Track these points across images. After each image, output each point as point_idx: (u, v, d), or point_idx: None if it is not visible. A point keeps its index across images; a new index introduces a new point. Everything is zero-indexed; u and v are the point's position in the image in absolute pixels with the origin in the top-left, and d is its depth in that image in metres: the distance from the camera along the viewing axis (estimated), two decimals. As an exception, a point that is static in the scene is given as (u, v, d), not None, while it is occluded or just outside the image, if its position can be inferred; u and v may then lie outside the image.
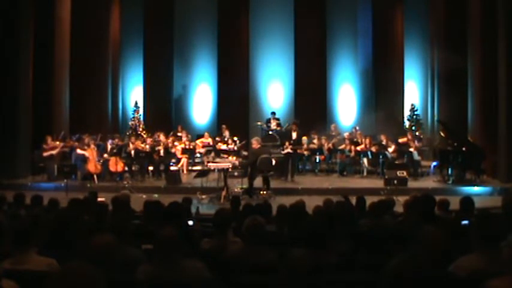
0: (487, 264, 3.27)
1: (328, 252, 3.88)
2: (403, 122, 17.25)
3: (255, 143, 11.56)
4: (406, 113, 17.44)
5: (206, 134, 15.80)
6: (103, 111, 16.36)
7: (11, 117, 12.89)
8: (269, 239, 4.45)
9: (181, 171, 13.74)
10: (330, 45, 17.87)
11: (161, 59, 17.80)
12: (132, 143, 13.45)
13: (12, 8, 12.91)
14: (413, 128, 16.83)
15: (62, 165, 12.70)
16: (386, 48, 17.26)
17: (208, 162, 12.91)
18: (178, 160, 14.12)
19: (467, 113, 13.85)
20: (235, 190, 11.30)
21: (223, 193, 10.76)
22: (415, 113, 17.39)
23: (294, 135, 13.60)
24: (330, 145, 14.22)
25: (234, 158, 12.50)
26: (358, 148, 13.78)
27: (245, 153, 13.78)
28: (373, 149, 13.33)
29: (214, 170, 11.61)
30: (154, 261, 3.56)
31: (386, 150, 13.18)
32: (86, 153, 12.91)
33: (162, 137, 14.66)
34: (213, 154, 14.16)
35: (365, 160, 13.50)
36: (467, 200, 6.05)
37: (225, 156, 12.98)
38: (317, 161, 14.17)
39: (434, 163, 13.43)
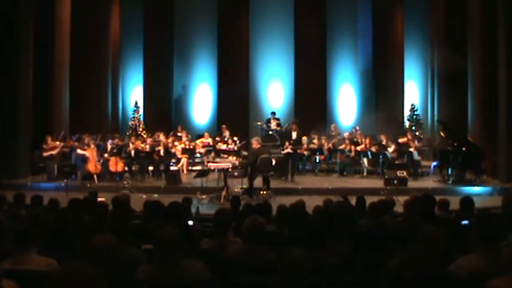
0: (487, 264, 3.27)
1: (328, 252, 3.88)
2: (403, 122, 17.25)
3: (255, 143, 11.55)
4: (406, 113, 17.44)
5: (206, 134, 15.80)
6: (103, 111, 16.36)
7: (11, 117, 12.89)
8: (269, 239, 4.45)
9: (181, 171, 13.73)
10: (330, 45, 17.86)
11: (161, 59, 17.80)
12: (132, 143, 13.46)
13: (12, 8, 12.91)
14: (413, 128, 16.82)
15: (62, 165, 12.70)
16: (386, 48, 17.26)
17: (208, 162, 12.91)
18: (178, 160, 14.12)
19: (467, 113, 13.85)
20: (235, 190, 11.29)
21: (223, 193, 10.75)
22: (415, 113, 17.39)
23: (294, 135, 13.58)
24: (330, 145, 14.21)
25: (234, 158, 12.49)
26: (358, 148, 13.77)
27: (245, 153, 13.78)
28: (373, 149, 13.33)
29: (214, 170, 11.60)
30: (154, 261, 3.55)
31: (386, 150, 13.17)
32: (86, 153, 12.91)
33: (162, 137, 14.66)
34: (213, 154, 14.16)
35: (365, 160, 13.50)
36: (467, 200, 6.05)
37: (225, 156, 12.98)
38: (317, 161, 14.17)
39: (434, 163, 13.43)
